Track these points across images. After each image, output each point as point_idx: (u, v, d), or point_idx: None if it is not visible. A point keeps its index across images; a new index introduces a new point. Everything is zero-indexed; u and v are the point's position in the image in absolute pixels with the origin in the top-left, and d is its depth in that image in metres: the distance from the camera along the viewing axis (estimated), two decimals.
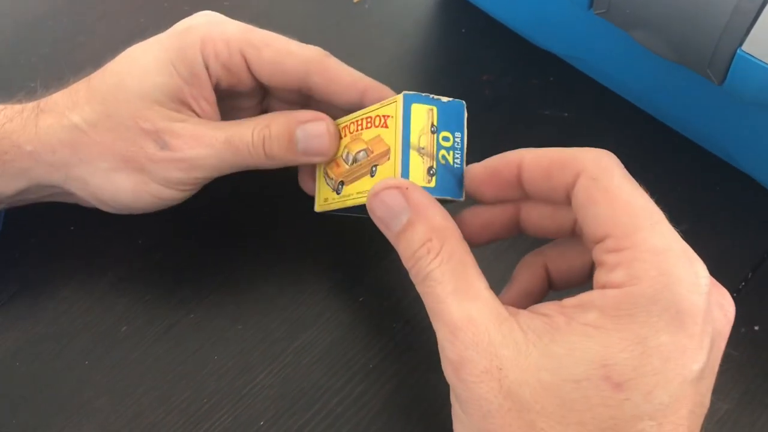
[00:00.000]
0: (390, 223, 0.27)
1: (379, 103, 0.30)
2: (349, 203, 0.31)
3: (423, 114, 0.28)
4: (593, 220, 0.24)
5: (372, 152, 0.29)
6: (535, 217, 0.28)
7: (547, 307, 0.24)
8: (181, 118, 0.32)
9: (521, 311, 0.25)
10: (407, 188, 0.26)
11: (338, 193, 0.32)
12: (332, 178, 0.32)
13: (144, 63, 0.32)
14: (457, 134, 0.29)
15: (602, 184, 0.24)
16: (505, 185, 0.28)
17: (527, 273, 0.29)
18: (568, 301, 0.24)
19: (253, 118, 0.32)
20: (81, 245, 0.37)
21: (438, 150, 0.28)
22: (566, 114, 0.42)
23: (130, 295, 0.35)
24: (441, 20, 0.47)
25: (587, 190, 0.25)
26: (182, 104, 0.32)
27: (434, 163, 0.28)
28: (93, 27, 0.46)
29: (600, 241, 0.24)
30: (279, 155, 0.32)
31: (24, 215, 0.36)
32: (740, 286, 0.36)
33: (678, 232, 0.30)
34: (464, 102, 0.29)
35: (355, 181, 0.31)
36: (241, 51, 0.32)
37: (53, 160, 0.32)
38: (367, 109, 0.31)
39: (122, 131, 0.31)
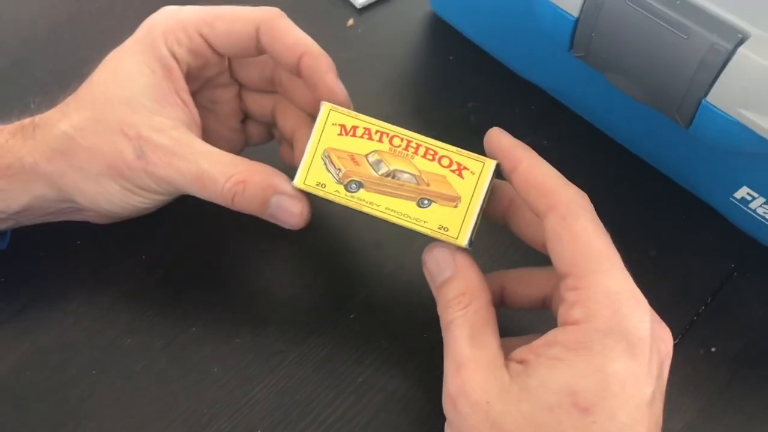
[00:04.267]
0: (436, 277, 0.31)
1: (456, 148, 0.31)
2: (369, 211, 0.31)
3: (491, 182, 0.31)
4: (558, 256, 0.28)
5: (426, 184, 0.31)
6: (523, 224, 0.32)
7: (522, 352, 0.28)
8: (163, 125, 0.33)
9: (511, 363, 0.28)
10: (456, 252, 0.31)
11: (350, 191, 0.31)
12: (339, 170, 0.32)
13: (124, 70, 0.33)
14: (484, 201, 0.31)
15: (569, 223, 0.28)
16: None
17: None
18: (536, 342, 0.28)
19: (233, 157, 0.33)
20: (87, 260, 0.39)
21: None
22: (545, 142, 0.45)
23: (134, 308, 0.37)
24: (431, 47, 0.49)
25: (555, 227, 0.28)
26: (164, 102, 0.33)
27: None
28: (96, 41, 0.48)
29: (563, 277, 0.28)
30: (246, 209, 0.33)
31: (33, 231, 0.38)
32: (700, 310, 0.39)
33: (647, 257, 0.34)
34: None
35: (387, 195, 0.31)
36: (198, 30, 0.34)
37: (50, 169, 0.33)
38: (431, 139, 0.31)
39: (108, 136, 0.32)
